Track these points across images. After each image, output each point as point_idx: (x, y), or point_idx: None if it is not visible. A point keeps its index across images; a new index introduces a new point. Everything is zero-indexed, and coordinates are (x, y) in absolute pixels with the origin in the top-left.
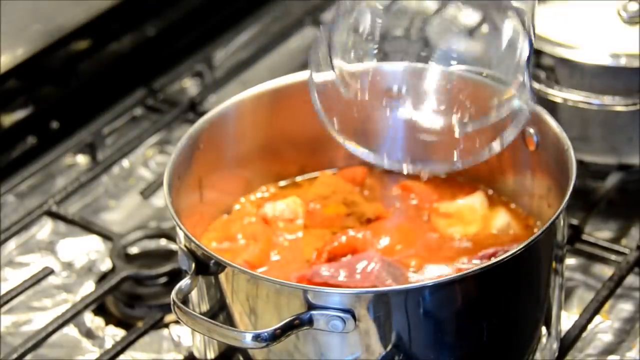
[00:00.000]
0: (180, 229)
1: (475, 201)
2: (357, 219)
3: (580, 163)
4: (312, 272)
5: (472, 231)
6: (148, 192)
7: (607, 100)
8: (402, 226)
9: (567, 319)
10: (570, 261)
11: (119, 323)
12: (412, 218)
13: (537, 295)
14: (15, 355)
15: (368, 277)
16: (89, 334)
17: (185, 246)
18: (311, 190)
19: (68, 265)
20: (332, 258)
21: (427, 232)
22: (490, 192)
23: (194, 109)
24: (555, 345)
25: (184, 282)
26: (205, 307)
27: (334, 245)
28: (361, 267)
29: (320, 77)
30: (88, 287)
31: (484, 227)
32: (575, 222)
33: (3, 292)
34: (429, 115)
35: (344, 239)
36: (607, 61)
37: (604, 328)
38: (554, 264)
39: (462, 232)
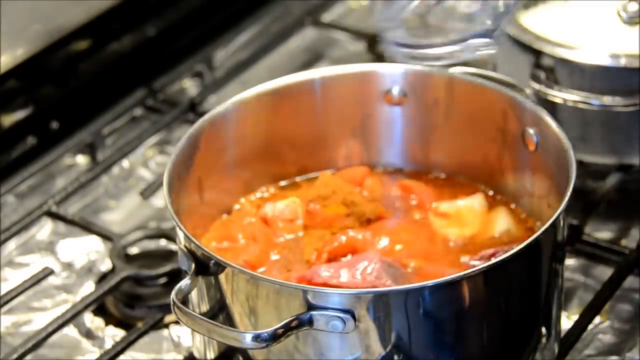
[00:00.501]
0: (180, 229)
1: (474, 203)
2: (357, 219)
3: (580, 163)
4: (312, 272)
5: (468, 233)
6: (148, 192)
7: (607, 100)
8: (402, 227)
9: (567, 320)
10: (570, 262)
11: (119, 323)
12: (412, 219)
13: (537, 295)
14: (15, 356)
15: (368, 278)
16: (89, 334)
17: (185, 246)
18: (311, 191)
19: (68, 266)
20: (332, 258)
21: (427, 233)
22: (491, 192)
23: (194, 109)
24: (555, 346)
25: (184, 282)
26: (205, 308)
27: (334, 246)
28: (361, 268)
29: None
30: (88, 287)
31: (483, 230)
32: (575, 222)
33: (3, 292)
34: None
35: (343, 239)
36: (607, 61)
37: (603, 328)
38: (553, 265)
39: (458, 233)
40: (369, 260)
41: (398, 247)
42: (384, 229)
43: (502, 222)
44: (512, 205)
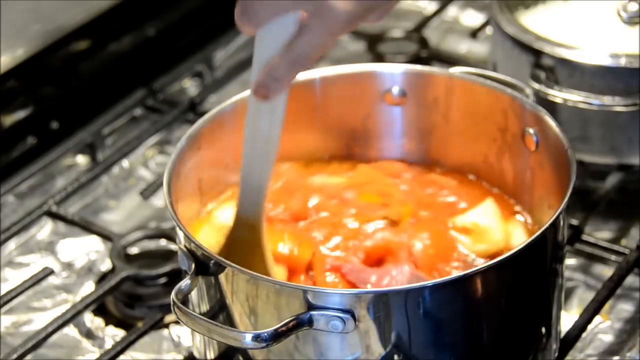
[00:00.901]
0: (180, 229)
1: (489, 215)
2: (391, 210)
3: (580, 163)
4: (349, 268)
5: (493, 250)
6: (148, 192)
7: (607, 100)
8: (433, 231)
9: (567, 319)
10: (570, 261)
11: (119, 323)
12: (442, 220)
13: (537, 295)
14: (15, 356)
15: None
16: (89, 334)
17: (185, 246)
18: (347, 179)
19: (68, 266)
20: (368, 257)
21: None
22: (495, 190)
23: (194, 109)
24: (555, 346)
25: (184, 282)
26: (205, 308)
27: (370, 245)
28: (391, 277)
29: None
30: (88, 287)
31: (505, 245)
32: (575, 222)
33: (3, 292)
34: None
35: (379, 238)
36: (607, 61)
37: (604, 328)
38: (553, 264)
39: (484, 250)
40: (400, 273)
41: (430, 251)
42: (415, 232)
43: (518, 235)
44: (517, 207)
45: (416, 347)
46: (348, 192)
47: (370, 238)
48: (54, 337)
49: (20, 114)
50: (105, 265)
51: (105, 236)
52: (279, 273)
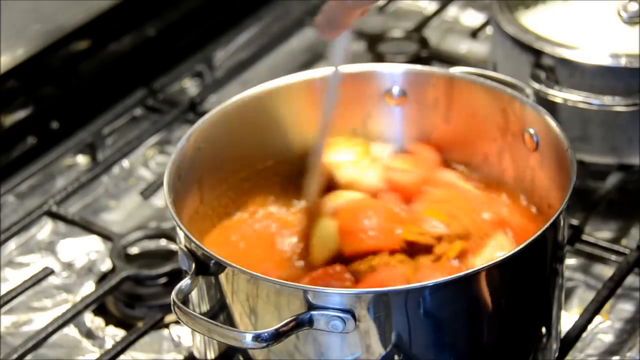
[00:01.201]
0: (181, 229)
1: (505, 248)
2: (439, 247)
3: (580, 163)
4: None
5: None
6: (148, 192)
7: (607, 100)
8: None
9: (567, 319)
10: (570, 261)
11: (119, 323)
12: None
13: (537, 295)
14: (15, 356)
15: None
16: (89, 334)
17: (186, 246)
18: (433, 192)
19: (68, 266)
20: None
21: None
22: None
23: (194, 109)
24: (555, 346)
25: (184, 282)
26: (205, 308)
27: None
28: None
29: None
30: (88, 287)
31: None
32: (575, 222)
33: (3, 292)
34: None
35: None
36: (607, 61)
37: (604, 328)
38: (554, 264)
39: None
40: None
41: None
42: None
43: None
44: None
45: (416, 347)
46: (418, 204)
47: (365, 281)
48: (54, 337)
49: (20, 114)
50: (106, 265)
51: (106, 236)
52: (326, 226)
